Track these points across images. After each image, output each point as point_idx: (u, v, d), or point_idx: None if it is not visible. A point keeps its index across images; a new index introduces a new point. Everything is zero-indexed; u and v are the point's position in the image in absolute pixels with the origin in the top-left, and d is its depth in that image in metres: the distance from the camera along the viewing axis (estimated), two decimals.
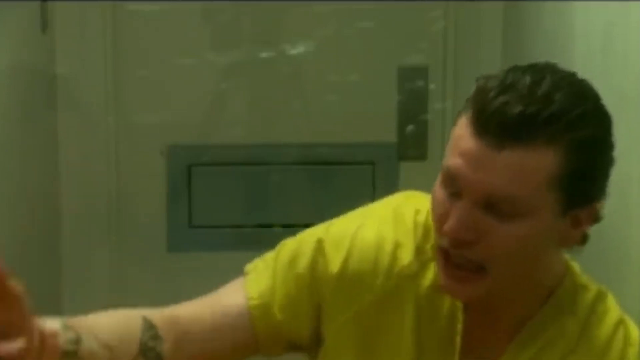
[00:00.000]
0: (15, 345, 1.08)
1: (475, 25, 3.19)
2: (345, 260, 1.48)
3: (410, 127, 3.23)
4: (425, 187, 1.61)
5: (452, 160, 1.36)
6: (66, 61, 3.12)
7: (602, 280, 1.52)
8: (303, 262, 1.50)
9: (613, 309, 1.47)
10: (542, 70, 1.36)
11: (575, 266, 1.50)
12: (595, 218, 1.40)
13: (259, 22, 3.23)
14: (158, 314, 1.47)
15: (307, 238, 1.52)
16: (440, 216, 1.38)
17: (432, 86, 3.23)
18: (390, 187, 3.16)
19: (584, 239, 1.41)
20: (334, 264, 1.48)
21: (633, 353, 1.44)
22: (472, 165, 1.33)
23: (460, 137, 1.35)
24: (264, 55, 3.23)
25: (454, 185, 1.36)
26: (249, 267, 1.56)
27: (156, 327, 1.45)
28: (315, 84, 3.23)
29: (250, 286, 1.52)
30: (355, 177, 3.27)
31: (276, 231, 3.22)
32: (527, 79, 1.33)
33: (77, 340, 1.27)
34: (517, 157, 1.31)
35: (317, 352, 1.53)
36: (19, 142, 2.71)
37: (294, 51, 3.22)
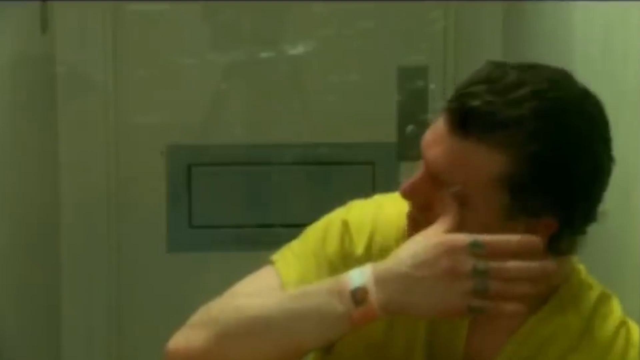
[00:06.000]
0: None
1: (475, 25, 3.19)
2: (369, 240, 1.49)
3: (410, 127, 3.23)
4: None
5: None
6: (66, 61, 3.12)
7: (602, 280, 1.52)
8: (333, 244, 1.50)
9: (616, 311, 1.47)
10: (530, 76, 1.34)
11: (582, 268, 1.50)
12: (554, 234, 1.36)
13: (259, 22, 3.23)
14: None
15: (331, 221, 1.52)
16: None
17: (432, 86, 3.23)
18: (390, 187, 3.14)
19: (557, 248, 1.38)
20: (359, 246, 1.49)
21: (634, 354, 1.44)
22: (430, 141, 1.38)
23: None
24: (264, 55, 3.22)
25: None
26: (276, 256, 1.53)
27: None
28: (315, 84, 3.23)
29: (284, 272, 1.49)
30: (355, 177, 3.26)
31: (276, 231, 3.22)
32: (509, 79, 1.33)
33: None
34: (463, 148, 1.34)
35: None
36: (19, 142, 2.71)
37: (294, 51, 3.22)
